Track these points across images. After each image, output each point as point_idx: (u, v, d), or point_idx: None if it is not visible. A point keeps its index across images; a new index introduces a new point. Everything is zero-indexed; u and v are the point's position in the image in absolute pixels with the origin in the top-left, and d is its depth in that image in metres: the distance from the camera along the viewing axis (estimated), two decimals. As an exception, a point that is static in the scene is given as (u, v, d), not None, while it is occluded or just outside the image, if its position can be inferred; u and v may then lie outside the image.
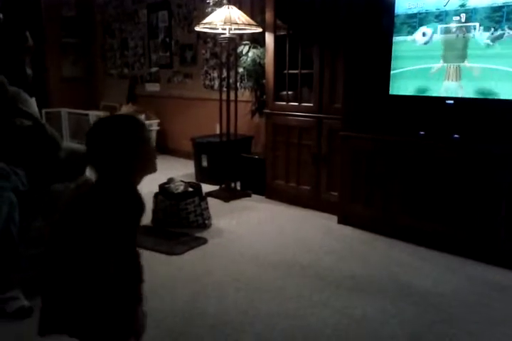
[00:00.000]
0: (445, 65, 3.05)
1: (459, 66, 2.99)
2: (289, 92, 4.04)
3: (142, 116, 6.16)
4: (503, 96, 2.83)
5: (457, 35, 2.97)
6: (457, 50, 2.99)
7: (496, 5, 2.77)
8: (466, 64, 2.96)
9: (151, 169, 1.51)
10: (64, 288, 1.39)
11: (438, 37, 3.06)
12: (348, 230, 3.52)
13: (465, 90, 2.99)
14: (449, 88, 3.07)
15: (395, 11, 3.24)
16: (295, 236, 3.40)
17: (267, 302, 2.43)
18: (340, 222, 3.63)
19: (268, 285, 2.62)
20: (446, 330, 2.18)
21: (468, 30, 2.91)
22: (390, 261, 2.97)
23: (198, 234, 3.38)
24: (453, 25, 2.98)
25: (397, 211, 3.25)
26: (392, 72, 3.32)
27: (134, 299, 1.45)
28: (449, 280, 2.70)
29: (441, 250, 3.06)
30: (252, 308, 2.36)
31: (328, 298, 2.48)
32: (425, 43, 3.12)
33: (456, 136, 3.01)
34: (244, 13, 4.14)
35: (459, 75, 3.01)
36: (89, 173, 1.45)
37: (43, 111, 6.17)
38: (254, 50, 4.58)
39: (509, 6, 2.72)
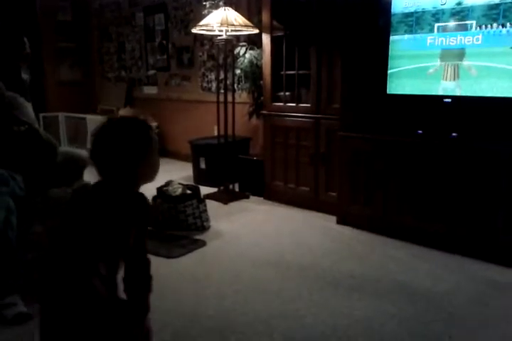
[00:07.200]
0: (442, 63, 3.05)
1: (456, 65, 2.99)
2: (287, 93, 4.04)
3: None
4: (500, 94, 2.82)
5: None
6: (454, 49, 2.99)
7: (493, 2, 2.76)
8: (464, 62, 2.95)
9: (150, 179, 1.49)
10: (68, 296, 1.29)
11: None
12: (346, 230, 3.51)
13: (462, 89, 2.99)
14: (446, 87, 3.07)
15: (392, 10, 3.23)
16: (294, 237, 3.39)
17: (267, 303, 2.42)
18: (339, 222, 3.62)
19: (267, 287, 2.61)
20: (446, 329, 2.17)
21: (465, 28, 2.91)
22: (388, 260, 2.95)
23: (197, 237, 3.37)
24: (450, 24, 2.98)
25: (395, 210, 3.24)
26: (389, 71, 3.31)
27: (143, 309, 1.41)
28: (449, 279, 2.69)
29: (440, 249, 3.05)
30: (252, 310, 2.35)
31: (327, 298, 2.47)
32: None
33: (454, 134, 3.00)
34: (241, 14, 4.13)
35: (457, 74, 3.00)
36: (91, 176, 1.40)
37: (41, 115, 6.17)
38: (251, 52, 4.58)
39: (506, 3, 2.72)
